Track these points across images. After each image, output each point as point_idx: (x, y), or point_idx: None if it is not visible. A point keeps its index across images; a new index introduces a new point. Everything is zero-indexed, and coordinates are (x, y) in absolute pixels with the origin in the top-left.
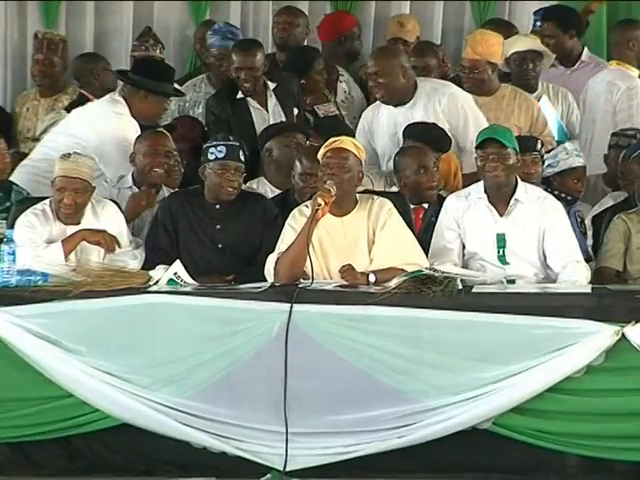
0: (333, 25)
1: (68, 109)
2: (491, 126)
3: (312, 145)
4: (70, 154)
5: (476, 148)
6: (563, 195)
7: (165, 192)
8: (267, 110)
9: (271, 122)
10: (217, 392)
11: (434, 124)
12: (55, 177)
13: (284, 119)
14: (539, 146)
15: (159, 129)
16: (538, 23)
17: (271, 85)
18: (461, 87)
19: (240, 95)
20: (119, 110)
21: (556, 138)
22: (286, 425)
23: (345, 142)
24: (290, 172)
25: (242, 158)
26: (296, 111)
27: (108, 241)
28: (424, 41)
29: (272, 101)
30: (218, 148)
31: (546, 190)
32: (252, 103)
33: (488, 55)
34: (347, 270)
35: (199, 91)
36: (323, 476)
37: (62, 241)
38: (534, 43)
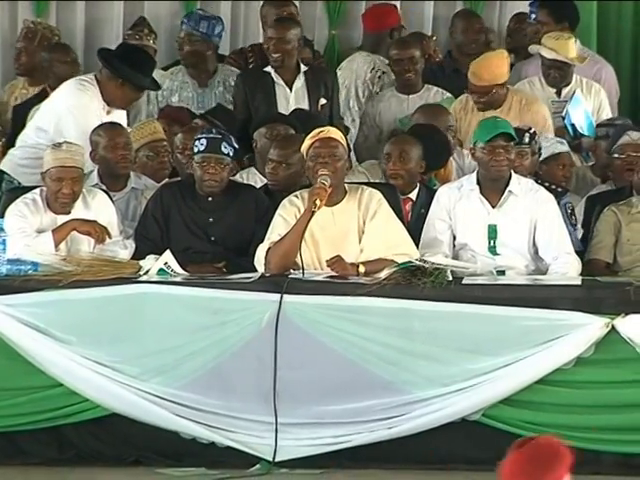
0: (382, 17)
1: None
2: (494, 119)
3: (281, 134)
4: (61, 143)
5: (481, 140)
6: (553, 187)
7: (133, 181)
8: (291, 89)
9: (292, 101)
10: (207, 382)
11: (438, 130)
12: (50, 168)
13: (307, 102)
14: (527, 139)
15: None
16: (533, 15)
17: (303, 68)
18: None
19: (268, 69)
20: (81, 89)
21: (586, 133)
22: (275, 416)
23: (332, 131)
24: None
25: (226, 151)
26: (323, 101)
27: (98, 231)
28: (409, 34)
29: (299, 82)
30: (200, 141)
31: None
32: (277, 79)
33: (495, 79)
34: (336, 261)
35: (174, 79)
36: (312, 467)
37: (52, 231)
38: (558, 54)
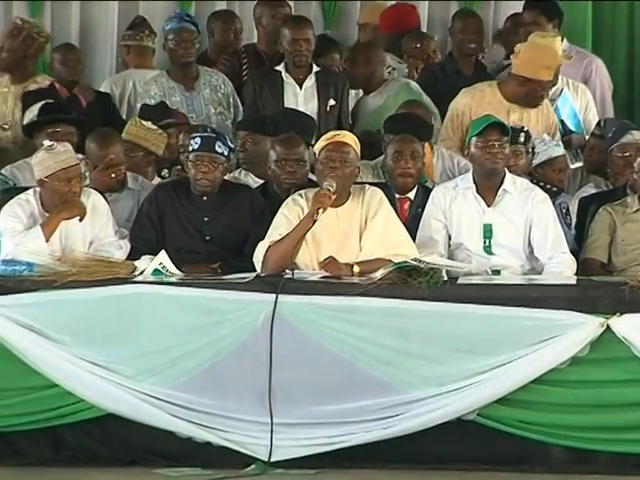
0: (400, 19)
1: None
2: (486, 116)
3: (287, 134)
4: (51, 145)
5: (475, 135)
6: (548, 186)
7: (129, 182)
8: (301, 88)
9: (301, 99)
10: (202, 382)
11: (412, 114)
12: (55, 172)
13: (316, 101)
14: (522, 139)
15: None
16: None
17: (316, 68)
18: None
19: (280, 67)
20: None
21: (574, 130)
22: (271, 416)
23: (346, 136)
24: (247, 164)
25: (220, 150)
26: (332, 102)
27: (82, 209)
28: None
29: (310, 81)
30: (195, 139)
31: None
32: (287, 78)
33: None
34: (329, 262)
35: (161, 86)
36: (308, 467)
37: (41, 225)
38: None
